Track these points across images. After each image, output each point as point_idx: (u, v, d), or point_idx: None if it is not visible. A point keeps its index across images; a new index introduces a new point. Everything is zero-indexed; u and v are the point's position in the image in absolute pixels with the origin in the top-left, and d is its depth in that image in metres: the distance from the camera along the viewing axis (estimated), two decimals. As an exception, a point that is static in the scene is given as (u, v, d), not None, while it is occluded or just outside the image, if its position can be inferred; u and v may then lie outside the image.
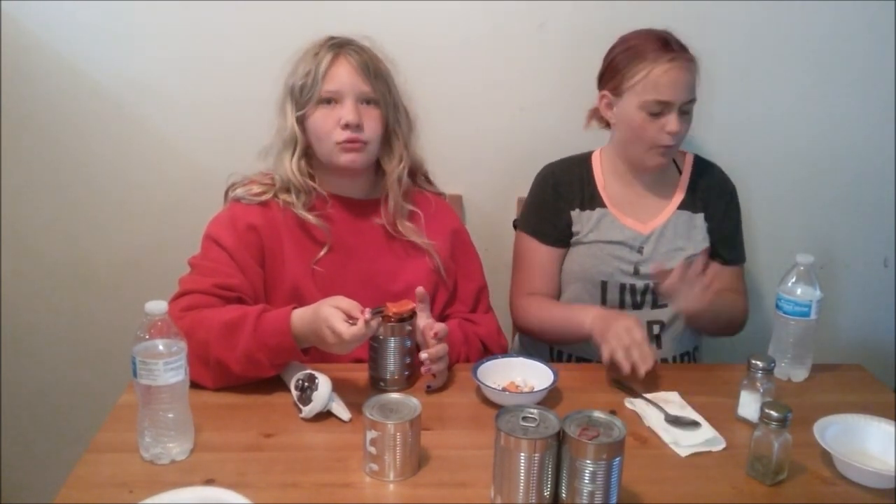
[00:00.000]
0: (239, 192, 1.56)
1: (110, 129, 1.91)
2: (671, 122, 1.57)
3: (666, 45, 1.58)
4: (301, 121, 1.53)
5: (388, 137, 1.57)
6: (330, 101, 1.50)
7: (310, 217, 1.52)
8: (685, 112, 1.59)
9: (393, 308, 1.38)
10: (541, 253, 1.72)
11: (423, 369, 1.41)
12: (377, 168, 1.60)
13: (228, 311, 1.39)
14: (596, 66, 1.68)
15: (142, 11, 1.83)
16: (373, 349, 1.42)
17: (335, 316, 1.27)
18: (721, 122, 1.95)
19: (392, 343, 1.41)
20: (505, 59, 1.91)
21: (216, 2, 1.82)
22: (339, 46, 1.51)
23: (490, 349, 1.60)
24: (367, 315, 1.27)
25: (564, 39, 1.88)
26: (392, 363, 1.41)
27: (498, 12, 1.87)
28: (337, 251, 1.55)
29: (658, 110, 1.57)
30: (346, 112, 1.48)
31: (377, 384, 1.43)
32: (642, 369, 1.40)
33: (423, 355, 1.40)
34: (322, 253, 1.53)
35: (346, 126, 1.48)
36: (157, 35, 1.85)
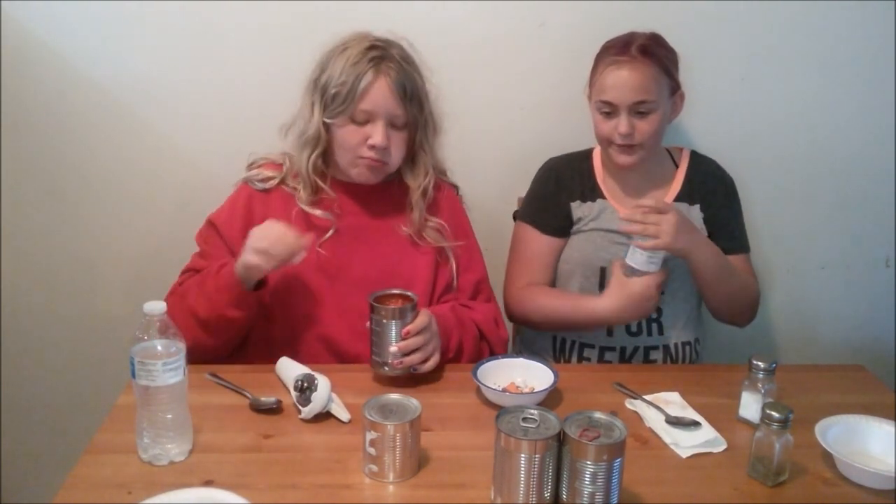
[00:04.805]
0: (250, 174, 1.61)
1: (110, 129, 1.91)
2: (621, 123, 1.59)
3: (623, 47, 1.59)
4: (326, 124, 1.53)
5: (413, 154, 1.60)
6: (361, 120, 1.51)
7: (312, 211, 1.56)
8: (642, 113, 1.59)
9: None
10: (539, 242, 1.74)
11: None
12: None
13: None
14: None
15: (142, 11, 1.82)
16: (375, 333, 1.43)
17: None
18: (721, 123, 1.94)
19: (394, 327, 1.41)
20: (505, 59, 1.90)
21: (217, 1, 1.82)
22: (379, 60, 1.50)
23: (487, 336, 1.60)
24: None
25: (564, 39, 1.88)
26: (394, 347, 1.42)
27: (498, 12, 1.86)
28: (343, 236, 1.57)
29: (607, 110, 1.61)
30: (376, 135, 1.49)
31: (381, 368, 1.43)
32: None
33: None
34: (328, 235, 1.56)
35: (373, 147, 1.50)
36: (157, 35, 1.84)
